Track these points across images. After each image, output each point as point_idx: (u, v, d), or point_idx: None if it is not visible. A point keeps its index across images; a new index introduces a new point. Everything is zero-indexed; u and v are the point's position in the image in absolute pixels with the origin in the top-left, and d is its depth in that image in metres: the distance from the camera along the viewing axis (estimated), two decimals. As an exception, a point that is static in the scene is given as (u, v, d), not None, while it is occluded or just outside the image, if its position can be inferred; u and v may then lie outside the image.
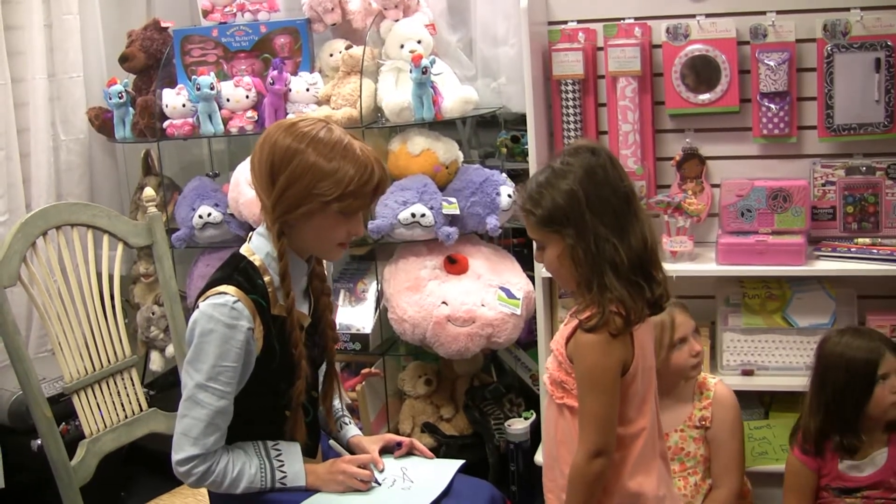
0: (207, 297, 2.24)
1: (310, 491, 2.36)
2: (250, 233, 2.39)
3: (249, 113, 3.72)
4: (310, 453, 2.45)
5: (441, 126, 3.74)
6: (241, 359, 2.24)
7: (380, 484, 2.42)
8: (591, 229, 2.11)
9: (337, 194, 2.23)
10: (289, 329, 2.32)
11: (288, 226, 2.28)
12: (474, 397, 3.78)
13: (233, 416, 2.29)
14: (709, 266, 3.27)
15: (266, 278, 2.30)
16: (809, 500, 2.81)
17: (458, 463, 2.53)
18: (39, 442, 2.67)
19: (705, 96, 3.33)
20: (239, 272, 2.29)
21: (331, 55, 3.78)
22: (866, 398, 2.69)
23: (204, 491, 2.47)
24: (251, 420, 2.34)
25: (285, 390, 2.34)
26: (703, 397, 2.93)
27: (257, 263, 2.31)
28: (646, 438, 2.23)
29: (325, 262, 2.52)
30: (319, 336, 2.49)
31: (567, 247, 2.14)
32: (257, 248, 2.33)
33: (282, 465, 2.34)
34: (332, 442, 2.57)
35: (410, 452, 2.57)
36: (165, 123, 3.75)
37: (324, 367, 2.55)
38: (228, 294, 2.23)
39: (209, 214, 3.70)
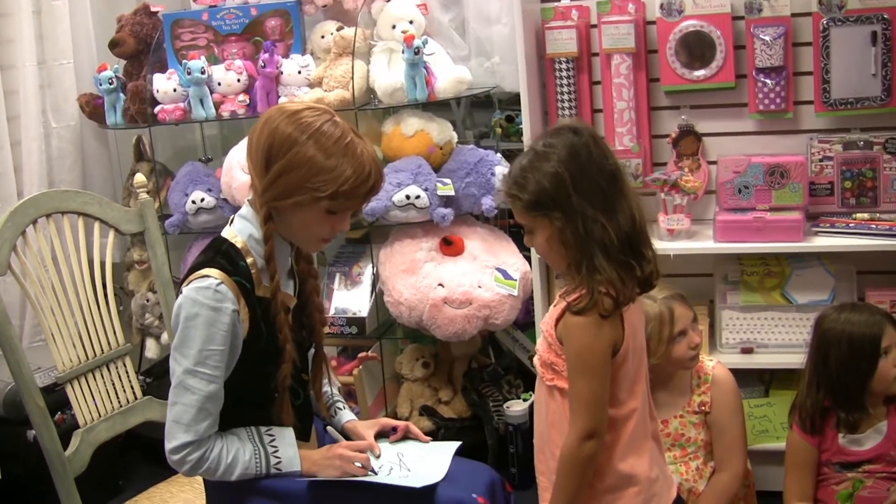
0: (191, 282, 2.23)
1: (306, 478, 2.35)
2: (232, 216, 2.37)
3: (241, 97, 3.70)
4: (302, 437, 2.43)
5: (435, 107, 3.72)
6: (227, 341, 2.22)
7: (376, 473, 2.40)
8: (578, 211, 2.08)
9: (330, 192, 2.20)
10: (273, 312, 2.30)
11: (275, 210, 2.26)
12: (472, 379, 3.77)
13: (226, 402, 2.28)
14: (706, 244, 3.25)
15: (249, 260, 2.28)
16: (811, 476, 2.81)
17: (455, 445, 2.51)
18: (35, 432, 2.65)
19: (700, 72, 3.30)
20: (221, 255, 2.27)
21: (322, 37, 3.75)
22: (870, 373, 2.68)
23: (200, 478, 2.45)
24: (241, 404, 2.32)
25: (273, 373, 2.33)
26: (701, 383, 2.91)
27: (239, 245, 2.29)
28: (637, 420, 2.21)
29: None
30: (307, 318, 2.47)
31: (556, 230, 2.11)
32: (239, 230, 2.31)
33: (276, 451, 2.33)
34: (329, 428, 2.55)
35: (406, 437, 2.56)
36: (157, 109, 3.74)
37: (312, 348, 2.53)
38: (211, 277, 2.21)
39: (202, 200, 3.69)
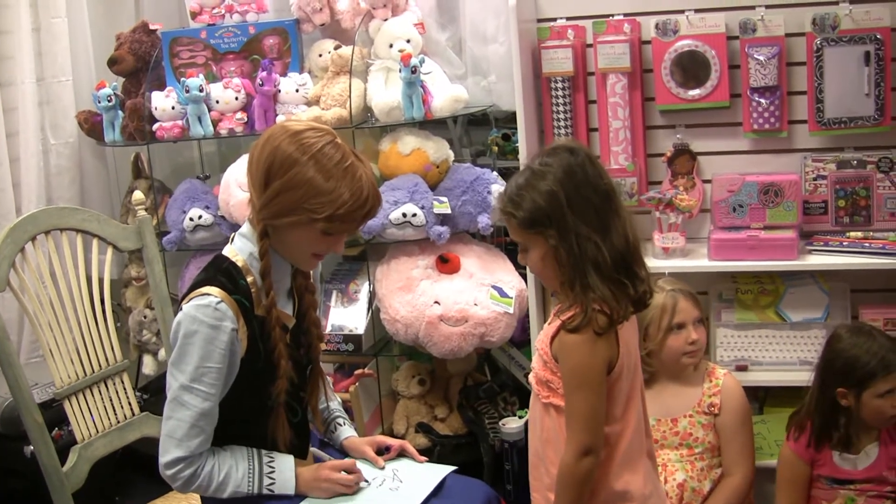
0: (191, 299, 2.24)
1: (296, 497, 2.36)
2: (233, 234, 2.38)
3: (239, 114, 3.71)
4: (300, 454, 2.45)
5: (432, 125, 3.73)
6: (225, 359, 2.23)
7: (369, 483, 2.42)
8: (572, 229, 2.11)
9: (326, 215, 2.21)
10: (269, 328, 2.31)
11: (271, 228, 2.28)
12: (468, 396, 3.77)
13: (222, 418, 2.29)
14: (701, 262, 3.26)
15: (249, 279, 2.29)
16: (803, 491, 2.82)
17: (449, 468, 2.52)
18: (33, 448, 2.66)
19: (695, 92, 3.32)
20: (222, 273, 2.28)
21: (320, 55, 3.77)
22: (857, 399, 2.70)
23: (197, 495, 2.46)
24: (237, 419, 2.34)
25: (270, 390, 2.34)
26: (712, 384, 2.97)
27: (240, 264, 2.30)
28: (632, 436, 2.23)
29: None
30: (304, 335, 2.48)
31: (550, 248, 2.14)
32: (240, 249, 2.32)
33: (272, 472, 2.33)
34: (313, 449, 2.56)
35: (401, 455, 2.57)
36: (155, 126, 3.75)
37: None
38: (212, 295, 2.22)
39: (200, 217, 3.70)
